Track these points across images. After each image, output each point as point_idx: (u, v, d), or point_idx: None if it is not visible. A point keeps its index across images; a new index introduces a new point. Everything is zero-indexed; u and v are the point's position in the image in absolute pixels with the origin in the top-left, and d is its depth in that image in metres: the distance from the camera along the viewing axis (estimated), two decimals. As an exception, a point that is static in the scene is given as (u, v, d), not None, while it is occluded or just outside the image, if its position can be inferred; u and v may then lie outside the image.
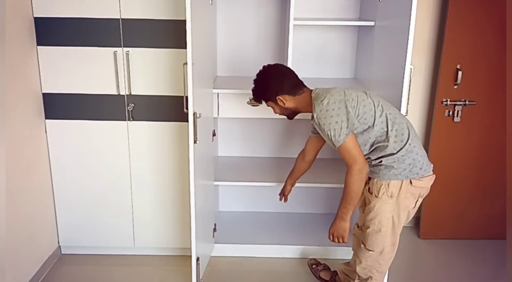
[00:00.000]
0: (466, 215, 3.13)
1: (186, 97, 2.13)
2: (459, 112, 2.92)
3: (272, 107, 2.21)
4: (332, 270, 2.66)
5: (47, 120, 2.61)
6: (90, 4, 2.41)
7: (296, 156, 2.53)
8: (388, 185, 1.97)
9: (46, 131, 2.63)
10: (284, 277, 2.73)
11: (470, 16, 2.77)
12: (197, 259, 2.36)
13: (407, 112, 2.20)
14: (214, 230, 2.88)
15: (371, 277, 2.19)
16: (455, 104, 2.91)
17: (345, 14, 2.90)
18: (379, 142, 1.99)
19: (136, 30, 2.45)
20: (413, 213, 2.11)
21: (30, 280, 2.53)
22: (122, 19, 2.43)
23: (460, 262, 2.93)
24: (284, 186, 2.64)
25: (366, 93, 2.07)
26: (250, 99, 2.61)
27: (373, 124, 1.97)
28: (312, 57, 2.98)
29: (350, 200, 2.00)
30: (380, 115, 1.99)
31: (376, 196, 2.01)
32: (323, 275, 2.65)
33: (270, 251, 2.90)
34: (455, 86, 2.88)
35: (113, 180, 2.72)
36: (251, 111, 2.70)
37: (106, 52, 2.48)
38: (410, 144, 1.97)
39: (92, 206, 2.77)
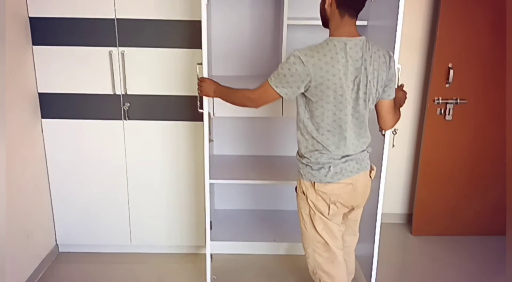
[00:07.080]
0: (458, 212, 3.18)
1: (200, 97, 2.21)
2: (451, 111, 2.96)
3: None
4: None
5: (43, 120, 2.62)
6: (85, 4, 2.42)
7: (290, 154, 2.57)
8: (301, 182, 1.99)
9: (42, 131, 2.64)
10: (279, 274, 2.77)
11: (462, 15, 2.80)
12: (211, 256, 2.50)
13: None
14: (210, 227, 2.90)
15: (320, 280, 2.13)
16: (446, 103, 2.94)
17: (339, 13, 2.92)
18: (311, 131, 1.89)
19: (131, 30, 2.47)
20: (335, 222, 1.98)
21: (28, 278, 2.55)
22: (117, 19, 2.45)
23: (452, 258, 2.98)
24: None
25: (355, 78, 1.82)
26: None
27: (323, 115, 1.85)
28: (306, 56, 2.99)
29: (228, 94, 2.06)
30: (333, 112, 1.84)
31: (297, 193, 2.05)
32: None
33: (265, 248, 2.94)
34: (447, 85, 2.91)
35: (110, 178, 2.74)
36: (247, 110, 2.71)
37: (102, 52, 2.50)
38: (322, 152, 1.88)
39: (88, 205, 2.79)
